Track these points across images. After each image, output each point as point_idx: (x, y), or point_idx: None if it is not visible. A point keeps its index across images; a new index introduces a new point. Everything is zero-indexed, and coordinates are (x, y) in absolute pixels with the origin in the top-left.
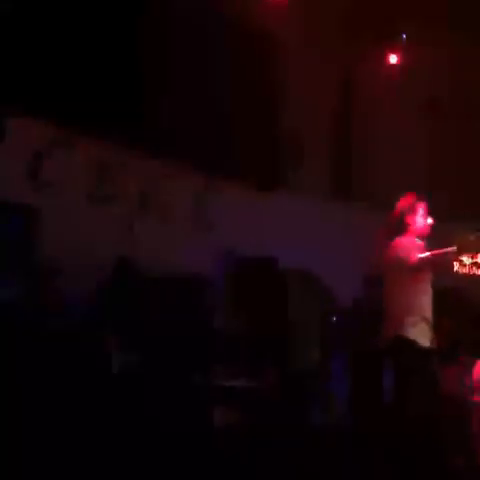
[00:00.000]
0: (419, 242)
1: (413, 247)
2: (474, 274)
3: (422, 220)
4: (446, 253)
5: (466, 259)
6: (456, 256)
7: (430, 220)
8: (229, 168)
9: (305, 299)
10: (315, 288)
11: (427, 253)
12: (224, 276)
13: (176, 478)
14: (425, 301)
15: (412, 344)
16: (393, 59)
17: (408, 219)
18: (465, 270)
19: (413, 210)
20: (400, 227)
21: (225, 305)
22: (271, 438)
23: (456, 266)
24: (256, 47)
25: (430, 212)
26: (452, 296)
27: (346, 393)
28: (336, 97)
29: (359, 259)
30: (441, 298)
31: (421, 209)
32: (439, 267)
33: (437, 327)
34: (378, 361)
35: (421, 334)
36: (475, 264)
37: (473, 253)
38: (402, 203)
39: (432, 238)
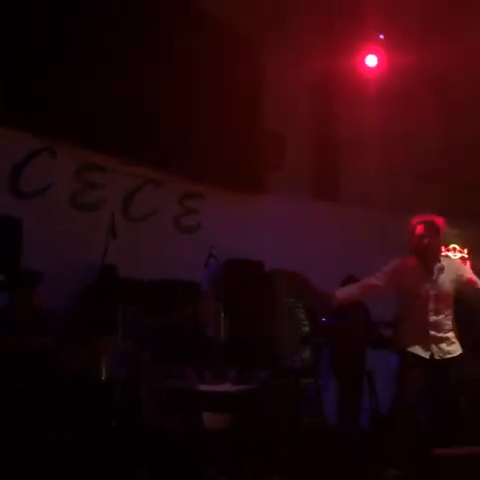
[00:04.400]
0: (417, 264)
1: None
2: None
3: (417, 240)
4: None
5: (452, 254)
6: None
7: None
8: (212, 172)
9: (293, 299)
10: (302, 289)
11: None
12: (210, 279)
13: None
14: (423, 314)
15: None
16: (371, 58)
17: (409, 240)
18: None
19: (411, 231)
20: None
21: (211, 308)
22: (261, 439)
23: None
24: (236, 49)
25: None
26: None
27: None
28: (318, 96)
29: (345, 259)
30: None
31: (418, 228)
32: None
33: None
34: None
35: (416, 346)
36: (462, 259)
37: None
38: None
39: None
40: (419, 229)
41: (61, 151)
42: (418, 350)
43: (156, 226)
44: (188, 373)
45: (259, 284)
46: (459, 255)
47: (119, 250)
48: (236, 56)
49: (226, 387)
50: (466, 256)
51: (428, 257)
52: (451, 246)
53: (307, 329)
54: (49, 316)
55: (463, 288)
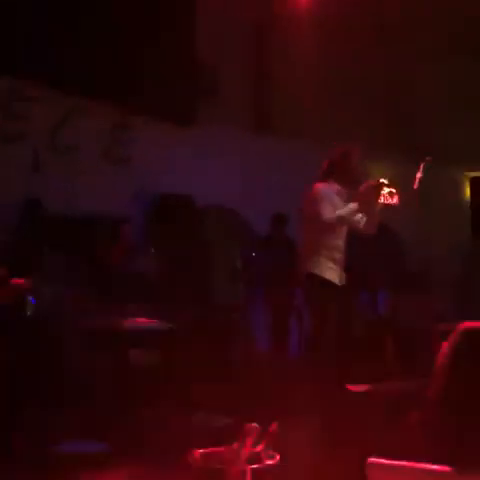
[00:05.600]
0: (340, 188)
1: (327, 196)
2: (389, 204)
3: (353, 167)
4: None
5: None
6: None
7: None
8: (144, 103)
9: (224, 235)
10: (234, 224)
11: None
12: (141, 214)
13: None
14: (335, 241)
15: (320, 279)
16: None
17: (338, 165)
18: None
19: (345, 156)
20: (329, 171)
21: (142, 243)
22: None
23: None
24: None
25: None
26: None
27: (265, 326)
28: (254, 29)
29: (278, 194)
30: None
31: (354, 156)
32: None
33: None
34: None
35: (329, 272)
36: (390, 193)
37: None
38: (336, 149)
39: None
40: (358, 157)
41: None
42: (335, 278)
43: (84, 158)
44: (115, 310)
45: (189, 219)
46: (387, 190)
47: (45, 184)
48: None
49: (154, 323)
50: (394, 191)
51: (352, 185)
52: (381, 180)
53: (238, 264)
54: None
55: None
